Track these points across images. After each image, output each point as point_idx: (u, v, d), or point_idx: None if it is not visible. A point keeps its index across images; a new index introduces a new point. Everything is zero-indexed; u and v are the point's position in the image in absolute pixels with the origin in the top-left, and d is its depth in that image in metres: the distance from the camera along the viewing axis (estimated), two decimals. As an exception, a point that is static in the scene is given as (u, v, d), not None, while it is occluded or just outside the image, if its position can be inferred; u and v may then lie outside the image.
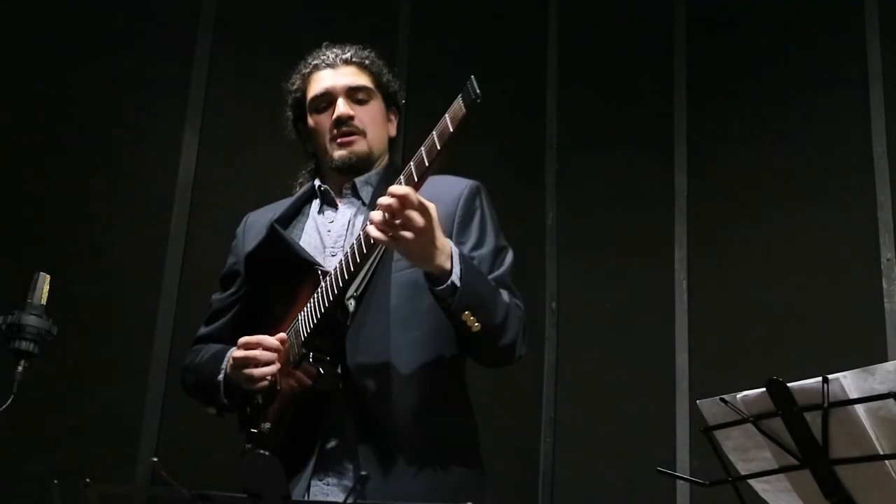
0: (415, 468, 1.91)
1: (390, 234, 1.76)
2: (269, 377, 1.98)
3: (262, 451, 1.86)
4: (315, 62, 2.22)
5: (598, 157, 3.92)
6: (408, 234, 1.75)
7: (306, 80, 2.22)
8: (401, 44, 3.83)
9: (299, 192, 2.25)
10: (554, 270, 3.82)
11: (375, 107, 2.20)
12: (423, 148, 1.76)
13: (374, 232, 1.77)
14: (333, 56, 2.21)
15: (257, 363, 1.97)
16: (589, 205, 3.90)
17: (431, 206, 1.78)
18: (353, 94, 2.17)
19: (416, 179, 1.77)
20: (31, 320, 2.06)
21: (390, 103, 2.25)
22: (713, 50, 3.87)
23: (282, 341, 1.99)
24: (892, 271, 3.28)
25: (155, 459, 1.59)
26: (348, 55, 2.21)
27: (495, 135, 3.82)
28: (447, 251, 1.84)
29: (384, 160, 2.22)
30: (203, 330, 2.28)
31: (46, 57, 3.34)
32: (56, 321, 2.11)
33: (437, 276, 1.83)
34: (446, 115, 1.71)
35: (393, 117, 2.27)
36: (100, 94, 3.37)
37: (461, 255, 1.87)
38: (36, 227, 3.17)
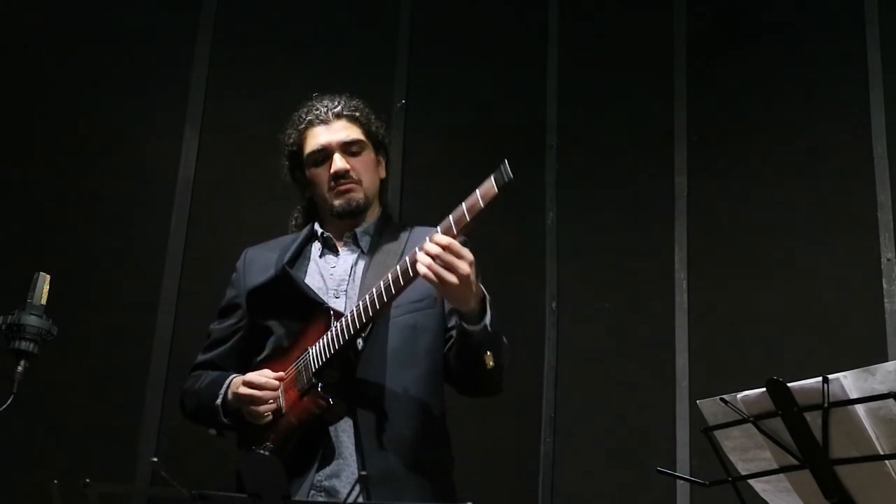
0: (407, 494, 2.10)
1: (436, 274, 1.97)
2: (271, 412, 2.16)
3: (262, 452, 1.87)
4: (309, 118, 2.39)
5: (598, 156, 3.92)
6: (452, 279, 1.97)
7: (302, 135, 2.40)
8: (400, 44, 3.82)
9: (300, 235, 2.42)
10: (554, 270, 3.82)
11: (367, 156, 2.40)
12: (451, 217, 1.98)
13: (422, 269, 1.98)
14: (325, 110, 2.39)
15: (261, 401, 2.16)
16: (589, 205, 3.90)
17: (471, 256, 2.00)
18: (347, 147, 2.36)
19: (467, 221, 1.97)
20: (31, 320, 2.06)
21: (379, 148, 2.45)
22: (713, 50, 3.87)
23: (280, 380, 2.18)
24: (892, 271, 3.28)
25: (155, 459, 1.59)
26: (339, 108, 2.39)
27: (495, 135, 3.82)
28: (481, 296, 2.09)
29: (377, 206, 2.44)
30: (202, 357, 2.41)
31: (46, 57, 3.34)
32: (56, 321, 2.11)
33: (468, 316, 2.07)
34: (477, 192, 1.94)
35: (382, 159, 2.46)
36: (100, 94, 3.37)
37: (491, 303, 2.11)
38: (36, 227, 3.17)
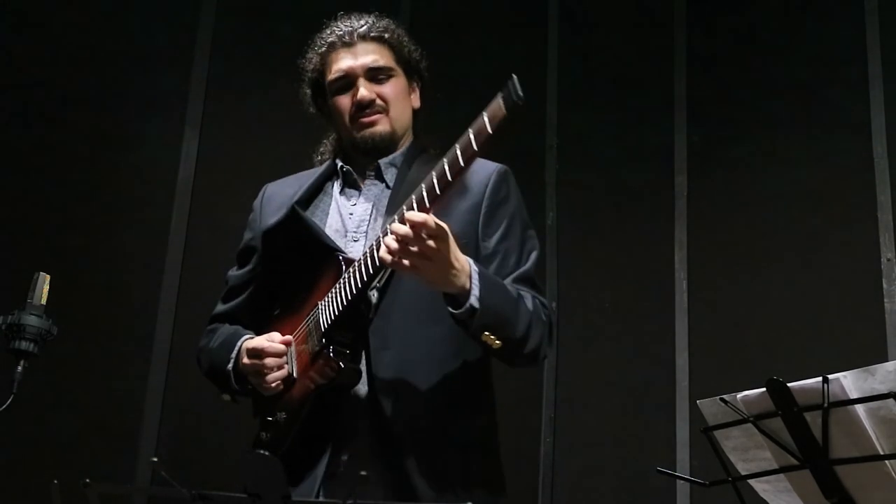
0: (433, 470, 1.86)
1: (405, 260, 1.71)
2: (280, 382, 1.95)
3: (262, 452, 1.86)
4: (331, 39, 2.13)
5: (598, 157, 3.92)
6: (424, 262, 1.71)
7: (324, 59, 2.15)
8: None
9: (320, 169, 2.18)
10: (554, 270, 3.82)
11: (397, 83, 2.12)
12: (457, 146, 1.68)
13: (388, 258, 1.72)
14: (350, 31, 2.11)
15: (266, 369, 1.94)
16: (589, 205, 3.90)
17: (447, 229, 1.72)
18: (373, 74, 2.09)
19: (448, 182, 1.68)
20: (31, 320, 2.06)
21: (412, 75, 2.18)
22: (713, 50, 3.87)
23: (288, 344, 1.96)
24: (892, 271, 3.28)
25: (155, 459, 1.59)
26: (365, 29, 2.11)
27: (495, 134, 3.81)
28: (466, 270, 1.79)
29: (408, 137, 2.16)
30: (220, 307, 2.22)
31: (46, 57, 3.34)
32: (56, 321, 2.11)
33: (456, 297, 1.80)
34: (484, 115, 1.63)
35: (416, 87, 2.19)
36: (100, 94, 3.37)
37: (480, 273, 1.82)
38: (36, 227, 3.17)
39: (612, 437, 3.57)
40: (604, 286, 3.77)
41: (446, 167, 1.68)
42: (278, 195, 2.17)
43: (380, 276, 1.87)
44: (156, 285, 3.28)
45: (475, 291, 1.79)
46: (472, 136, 1.64)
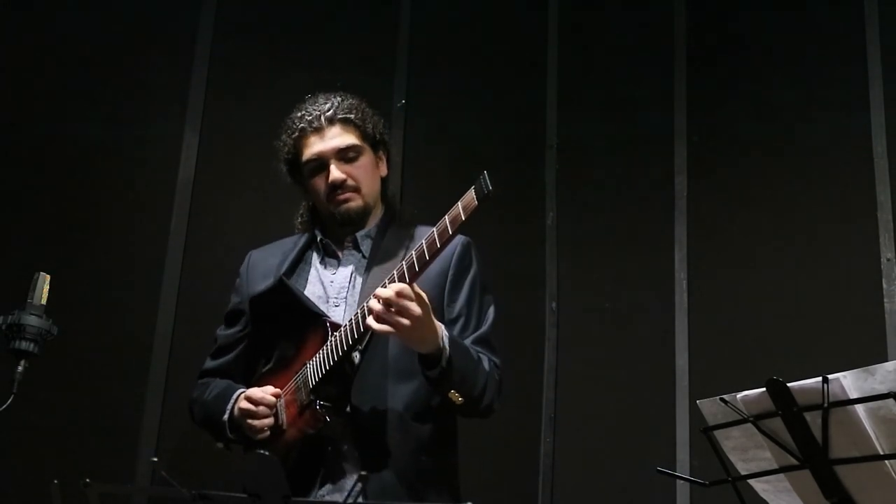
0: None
1: (389, 321, 1.95)
2: (267, 429, 2.15)
3: (262, 451, 1.88)
4: (301, 125, 2.33)
5: (598, 157, 3.92)
6: (405, 322, 1.95)
7: (297, 144, 2.35)
8: (400, 44, 3.82)
9: (301, 239, 2.40)
10: (554, 270, 3.82)
11: (365, 160, 2.34)
12: (435, 230, 1.93)
13: (373, 324, 1.96)
14: (318, 116, 2.32)
15: (258, 416, 2.15)
16: (589, 205, 3.89)
17: (425, 296, 1.98)
18: (342, 154, 2.31)
19: (426, 260, 1.95)
20: (31, 320, 2.07)
21: (378, 147, 2.39)
22: (713, 51, 3.87)
23: (277, 396, 2.17)
24: (892, 271, 3.28)
25: (155, 459, 1.60)
26: (331, 113, 2.32)
27: (496, 134, 3.82)
28: (438, 333, 2.04)
29: (378, 206, 2.40)
30: (209, 364, 2.42)
31: (47, 57, 3.34)
32: (56, 321, 2.11)
33: (428, 358, 2.05)
34: (459, 204, 1.89)
35: (383, 156, 2.41)
36: (100, 94, 3.37)
37: (451, 339, 2.08)
38: (36, 227, 3.17)
39: (612, 437, 3.57)
40: (604, 286, 3.77)
41: (425, 248, 1.95)
42: (262, 263, 2.40)
43: (364, 339, 2.11)
44: (156, 285, 3.28)
45: (446, 354, 2.05)
46: (447, 223, 1.91)
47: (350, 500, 1.33)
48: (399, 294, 1.94)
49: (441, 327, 2.07)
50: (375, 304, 1.96)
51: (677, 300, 3.62)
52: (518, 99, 3.98)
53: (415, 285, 1.97)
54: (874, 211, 3.36)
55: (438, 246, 1.93)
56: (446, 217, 1.91)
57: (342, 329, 2.09)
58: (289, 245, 2.41)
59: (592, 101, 3.98)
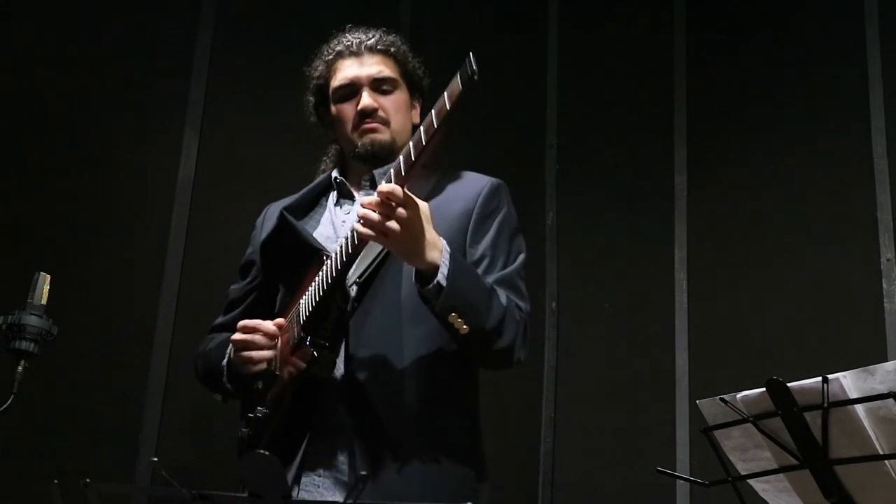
0: (409, 467, 1.87)
1: (378, 229, 1.75)
2: (266, 361, 1.96)
3: (262, 451, 1.87)
4: (339, 48, 2.19)
5: (598, 157, 3.92)
6: (394, 227, 1.73)
7: (330, 67, 2.20)
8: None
9: (315, 181, 2.23)
10: (554, 270, 3.82)
11: (400, 96, 2.18)
12: (421, 127, 1.72)
13: (360, 229, 1.76)
14: (358, 42, 2.18)
15: (255, 346, 1.96)
16: (589, 205, 3.90)
17: (421, 203, 1.78)
18: (377, 84, 2.14)
19: (412, 160, 1.73)
20: (31, 320, 2.06)
21: (415, 91, 2.23)
22: (713, 50, 3.87)
23: (279, 326, 1.97)
24: (892, 271, 3.28)
25: (155, 459, 1.59)
26: (372, 42, 2.18)
27: (495, 135, 3.81)
28: (438, 247, 1.82)
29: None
30: (220, 319, 2.27)
31: (47, 57, 3.34)
32: (56, 321, 2.11)
33: (426, 275, 1.82)
34: (444, 94, 1.67)
35: (417, 104, 2.25)
36: (100, 94, 3.37)
37: (453, 255, 1.84)
38: (36, 227, 3.17)
39: (612, 436, 3.57)
40: (604, 286, 3.78)
41: (411, 148, 1.73)
42: (278, 211, 2.21)
43: (356, 261, 1.88)
44: (156, 285, 3.28)
45: (443, 270, 1.80)
46: (433, 116, 1.69)
47: (350, 501, 1.33)
48: (385, 195, 1.72)
49: (443, 242, 1.84)
50: (360, 209, 1.76)
51: (677, 300, 3.62)
52: (518, 99, 3.98)
53: (406, 191, 1.75)
54: (874, 211, 3.36)
55: (425, 143, 1.69)
56: (432, 111, 1.69)
57: (333, 253, 1.89)
58: (306, 191, 2.23)
59: (592, 102, 3.98)
